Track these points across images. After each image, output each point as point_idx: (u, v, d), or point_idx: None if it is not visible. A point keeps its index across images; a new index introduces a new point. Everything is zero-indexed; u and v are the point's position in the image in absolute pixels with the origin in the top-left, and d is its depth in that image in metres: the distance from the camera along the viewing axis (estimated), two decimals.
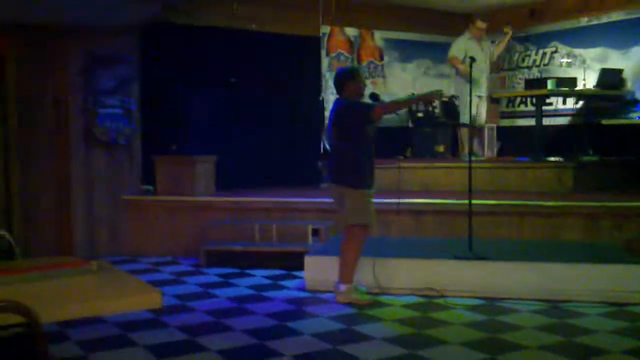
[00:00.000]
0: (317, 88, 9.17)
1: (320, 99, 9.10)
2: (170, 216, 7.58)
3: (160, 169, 7.71)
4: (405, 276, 5.70)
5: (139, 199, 7.71)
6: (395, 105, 6.07)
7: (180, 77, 8.08)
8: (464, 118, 8.55)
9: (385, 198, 6.83)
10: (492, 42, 9.01)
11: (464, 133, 8.71)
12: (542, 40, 9.31)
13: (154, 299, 2.69)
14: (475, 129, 8.62)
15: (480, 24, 8.54)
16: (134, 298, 2.73)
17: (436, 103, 9.54)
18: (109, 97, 7.55)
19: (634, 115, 7.96)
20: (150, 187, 7.83)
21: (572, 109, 8.97)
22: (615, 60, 8.58)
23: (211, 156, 7.86)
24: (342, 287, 5.43)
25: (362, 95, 5.57)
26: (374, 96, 5.86)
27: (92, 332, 4.68)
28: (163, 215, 7.60)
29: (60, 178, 7.45)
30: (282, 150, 8.82)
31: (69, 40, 7.37)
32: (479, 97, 8.63)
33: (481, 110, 8.76)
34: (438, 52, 10.09)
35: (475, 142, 8.65)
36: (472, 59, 6.28)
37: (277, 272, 6.66)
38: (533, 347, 4.28)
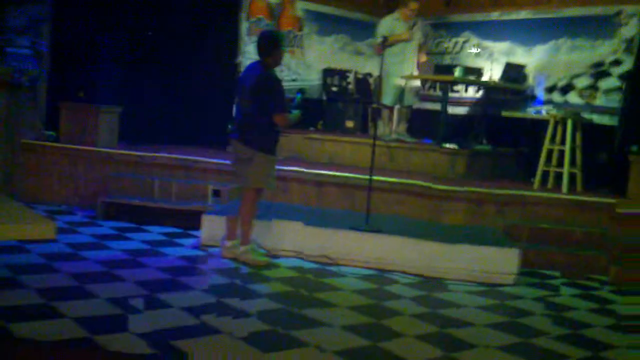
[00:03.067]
0: (234, 51, 9.18)
1: (237, 61, 9.12)
2: (69, 165, 7.48)
3: (65, 115, 7.58)
4: (303, 242, 5.92)
5: (39, 144, 7.55)
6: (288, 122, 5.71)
7: (94, 23, 7.94)
8: (385, 98, 8.72)
9: (291, 166, 7.04)
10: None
11: (383, 112, 8.90)
12: (455, 29, 9.66)
13: (47, 229, 2.76)
14: (389, 109, 8.80)
15: (413, 5, 8.49)
16: (28, 226, 2.79)
17: (350, 79, 9.79)
18: (18, 36, 7.33)
19: (531, 109, 8.45)
20: (53, 133, 7.68)
21: (475, 98, 9.40)
22: (520, 55, 9.05)
23: (117, 107, 7.76)
24: (227, 243, 5.67)
25: (280, 63, 5.70)
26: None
27: None
28: (62, 163, 7.48)
29: None
30: (192, 109, 8.80)
31: None
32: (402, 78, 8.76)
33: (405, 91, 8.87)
34: (357, 29, 10.32)
35: (388, 121, 8.83)
36: (384, 39, 6.44)
37: (175, 229, 6.73)
38: (407, 314, 4.61)
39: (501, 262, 5.68)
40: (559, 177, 7.33)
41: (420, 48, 8.77)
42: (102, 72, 8.00)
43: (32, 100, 7.64)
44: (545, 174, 7.45)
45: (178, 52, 8.70)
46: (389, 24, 8.58)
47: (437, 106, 8.99)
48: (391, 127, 8.80)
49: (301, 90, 6.22)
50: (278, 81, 5.56)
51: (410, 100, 8.82)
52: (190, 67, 8.82)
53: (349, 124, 9.64)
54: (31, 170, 7.49)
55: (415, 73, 8.73)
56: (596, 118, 7.94)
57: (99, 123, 7.55)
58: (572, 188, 7.23)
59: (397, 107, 8.80)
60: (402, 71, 8.53)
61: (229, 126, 8.47)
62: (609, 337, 4.51)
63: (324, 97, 9.85)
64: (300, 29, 9.94)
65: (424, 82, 9.76)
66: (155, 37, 8.48)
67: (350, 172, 7.22)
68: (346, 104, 9.70)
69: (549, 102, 8.52)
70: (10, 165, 7.45)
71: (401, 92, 8.67)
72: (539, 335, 4.44)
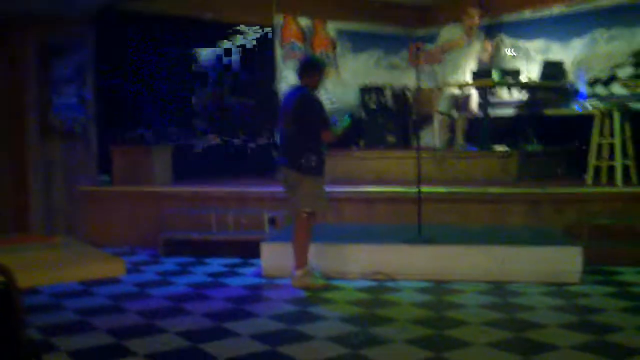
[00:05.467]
0: (271, 78, 9.32)
1: (275, 89, 9.25)
2: (127, 206, 7.63)
3: (117, 158, 7.74)
4: (358, 261, 5.92)
5: (96, 189, 7.75)
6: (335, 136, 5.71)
7: (135, 65, 8.17)
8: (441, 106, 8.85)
9: (339, 186, 7.06)
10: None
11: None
12: (488, 32, 9.60)
13: (118, 267, 2.87)
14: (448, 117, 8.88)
15: (472, 11, 8.68)
16: (99, 265, 2.90)
17: (387, 94, 9.81)
18: (65, 86, 7.58)
19: (575, 105, 8.33)
20: (107, 177, 7.86)
21: (517, 100, 9.31)
22: (557, 52, 8.95)
23: (168, 145, 7.91)
24: (296, 272, 5.63)
25: (319, 86, 5.74)
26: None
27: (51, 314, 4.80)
28: (120, 205, 7.65)
29: (17, 169, 7.47)
30: (237, 141, 8.96)
31: (22, 29, 7.38)
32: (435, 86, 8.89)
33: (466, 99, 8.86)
34: (390, 44, 10.38)
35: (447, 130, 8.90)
36: (417, 48, 6.53)
37: (235, 260, 6.81)
38: (476, 323, 4.56)
39: (565, 261, 5.61)
40: (611, 170, 7.19)
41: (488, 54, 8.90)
42: (147, 113, 8.20)
43: (85, 147, 7.85)
44: (597, 169, 7.32)
45: (220, 86, 8.87)
46: (449, 33, 8.81)
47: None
48: (450, 136, 8.83)
49: (350, 114, 6.25)
50: (318, 99, 5.62)
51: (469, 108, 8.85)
52: (232, 100, 8.97)
53: (391, 138, 9.63)
54: (91, 215, 7.66)
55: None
56: None
57: (152, 163, 7.69)
58: (626, 180, 7.08)
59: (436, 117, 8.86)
60: (458, 79, 8.63)
61: (274, 153, 8.61)
62: None
63: (363, 115, 9.87)
64: (334, 49, 10.04)
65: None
66: (193, 72, 8.70)
67: (397, 187, 7.20)
68: (385, 119, 9.70)
69: (592, 95, 8.39)
70: (71, 212, 7.67)
71: (457, 100, 8.74)
72: (615, 331, 4.34)
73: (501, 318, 4.67)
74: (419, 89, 9.15)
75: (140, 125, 8.13)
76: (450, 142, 8.82)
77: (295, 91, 5.67)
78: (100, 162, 7.97)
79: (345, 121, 5.72)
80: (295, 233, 5.65)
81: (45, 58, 7.54)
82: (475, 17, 8.73)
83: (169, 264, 6.71)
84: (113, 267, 2.95)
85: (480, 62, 9.04)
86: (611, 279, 5.81)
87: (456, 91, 8.77)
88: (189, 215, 7.36)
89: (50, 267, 2.84)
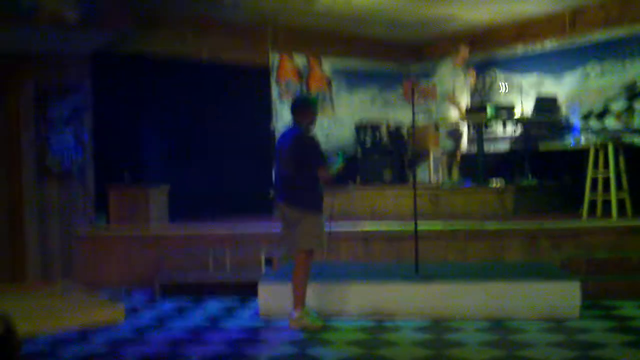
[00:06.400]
0: (268, 117, 9.38)
1: (272, 128, 9.31)
2: (123, 247, 7.58)
3: (114, 199, 7.74)
4: (355, 300, 5.87)
5: (92, 232, 7.72)
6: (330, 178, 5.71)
7: (132, 106, 8.23)
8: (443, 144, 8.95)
9: (335, 225, 7.05)
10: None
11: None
12: (481, 67, 9.73)
13: (116, 313, 2.88)
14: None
15: (464, 51, 8.85)
16: (98, 312, 2.90)
17: (383, 131, 9.89)
18: (62, 127, 7.61)
19: (569, 139, 8.39)
20: (103, 218, 7.84)
21: (512, 136, 9.38)
22: (550, 86, 9.05)
23: (164, 186, 7.92)
24: (295, 313, 5.59)
25: (314, 125, 5.77)
26: None
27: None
28: (116, 246, 7.59)
29: (13, 209, 7.46)
30: (233, 180, 8.94)
31: (19, 70, 7.44)
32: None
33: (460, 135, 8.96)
34: (385, 80, 10.50)
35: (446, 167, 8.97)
36: (412, 89, 6.60)
37: (232, 301, 6.76)
38: None
39: (563, 296, 5.61)
40: (606, 204, 7.22)
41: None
42: (143, 153, 8.24)
43: (82, 187, 7.85)
44: (592, 203, 7.34)
45: (215, 124, 8.92)
46: (451, 72, 8.86)
47: (472, 147, 9.02)
48: (447, 173, 8.89)
49: (342, 151, 6.29)
50: (313, 138, 5.66)
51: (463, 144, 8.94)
52: (228, 138, 8.99)
53: (387, 175, 9.67)
54: (87, 256, 7.57)
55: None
56: (637, 140, 7.83)
57: (148, 203, 7.69)
58: (621, 214, 7.10)
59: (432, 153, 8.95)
60: (453, 116, 8.73)
61: (271, 192, 8.62)
62: None
63: (359, 153, 9.92)
64: (329, 87, 10.13)
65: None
66: (191, 112, 8.75)
67: (394, 222, 7.22)
68: (381, 155, 9.74)
69: (586, 129, 8.45)
70: (67, 253, 7.63)
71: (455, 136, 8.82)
72: None
73: (501, 355, 4.64)
74: (414, 126, 9.22)
75: (137, 165, 8.17)
76: (447, 178, 8.87)
77: (291, 131, 5.71)
78: (98, 202, 7.96)
79: (339, 160, 5.75)
80: (295, 272, 5.63)
81: (42, 99, 7.58)
82: (465, 53, 8.86)
83: (166, 306, 6.64)
84: (112, 314, 2.96)
85: (473, 96, 9.15)
86: (610, 313, 5.80)
87: (453, 127, 8.84)
88: (186, 256, 7.32)
89: (50, 315, 2.84)
